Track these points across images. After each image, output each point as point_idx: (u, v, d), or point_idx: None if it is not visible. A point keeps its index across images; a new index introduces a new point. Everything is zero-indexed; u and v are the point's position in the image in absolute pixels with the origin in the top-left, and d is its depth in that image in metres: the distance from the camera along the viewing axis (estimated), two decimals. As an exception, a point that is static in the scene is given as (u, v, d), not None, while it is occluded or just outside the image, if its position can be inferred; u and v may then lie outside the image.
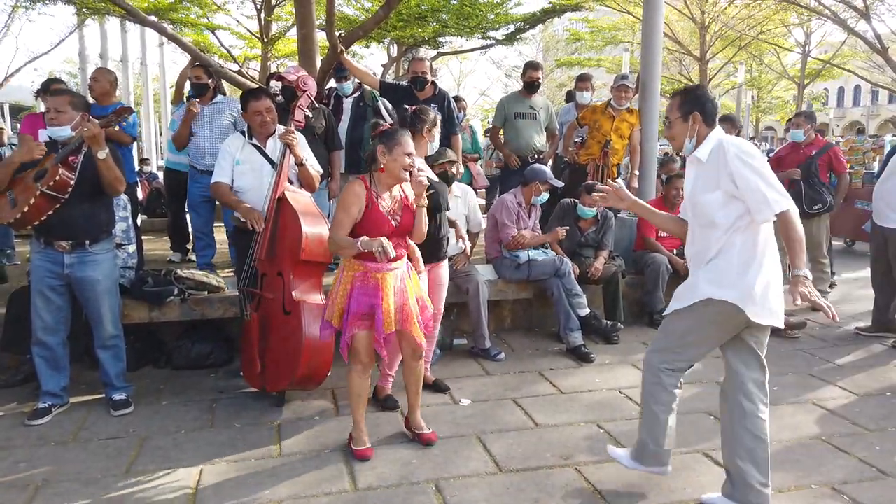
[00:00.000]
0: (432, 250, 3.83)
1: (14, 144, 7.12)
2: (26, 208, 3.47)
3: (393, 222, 3.18)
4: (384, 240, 2.99)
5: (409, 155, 3.14)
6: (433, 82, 5.60)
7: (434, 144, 3.88)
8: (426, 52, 13.75)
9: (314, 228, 3.78)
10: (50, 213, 3.52)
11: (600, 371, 4.56)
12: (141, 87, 17.27)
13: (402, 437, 3.51)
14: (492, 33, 12.92)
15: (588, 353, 4.77)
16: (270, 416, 3.79)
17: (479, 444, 3.45)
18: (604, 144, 6.13)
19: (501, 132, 6.49)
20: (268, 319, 3.88)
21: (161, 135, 18.93)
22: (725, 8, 20.07)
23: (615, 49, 23.77)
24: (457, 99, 7.35)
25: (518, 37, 13.25)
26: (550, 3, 12.77)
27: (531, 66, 6.35)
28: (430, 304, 3.42)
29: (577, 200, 5.51)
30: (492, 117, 7.24)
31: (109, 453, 3.33)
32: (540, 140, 6.42)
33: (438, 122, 3.90)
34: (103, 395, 3.94)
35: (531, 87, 6.26)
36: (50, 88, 5.11)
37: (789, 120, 7.04)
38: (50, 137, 3.69)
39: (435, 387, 4.14)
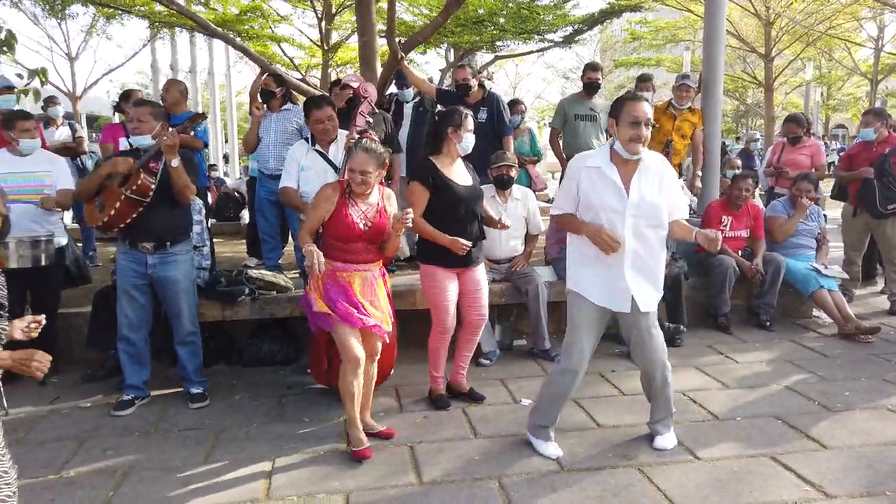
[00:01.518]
0: (461, 256, 3.76)
1: (94, 152, 7.53)
2: (112, 212, 3.71)
3: (362, 226, 3.33)
4: (319, 256, 3.14)
5: (361, 173, 3.26)
6: (481, 85, 5.67)
7: (465, 145, 3.81)
8: (480, 57, 13.82)
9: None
10: (133, 216, 3.75)
11: (663, 373, 4.52)
12: (208, 97, 17.95)
13: (465, 435, 3.58)
14: (549, 36, 12.90)
15: (650, 356, 4.72)
16: (337, 411, 3.92)
17: (541, 442, 3.48)
18: (665, 145, 6.07)
19: (560, 135, 6.49)
20: (333, 318, 4.01)
21: (227, 142, 19.63)
22: (792, 3, 19.41)
23: (675, 48, 23.27)
24: (515, 102, 7.38)
25: (576, 38, 13.18)
26: (609, 3, 12.66)
27: (590, 68, 6.33)
28: (389, 322, 3.48)
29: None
30: (549, 119, 7.24)
31: (188, 444, 3.52)
32: (600, 142, 6.39)
33: (467, 123, 3.77)
34: (181, 389, 4.16)
35: (591, 88, 6.25)
36: (133, 99, 5.43)
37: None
38: (131, 145, 3.93)
39: (471, 396, 4.08)
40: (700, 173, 6.29)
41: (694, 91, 6.22)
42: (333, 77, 11.98)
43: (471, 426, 3.70)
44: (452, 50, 14.26)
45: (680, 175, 6.60)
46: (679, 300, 5.34)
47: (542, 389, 3.48)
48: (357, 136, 3.92)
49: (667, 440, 3.39)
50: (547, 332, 4.85)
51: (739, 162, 7.89)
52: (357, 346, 3.30)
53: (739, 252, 5.60)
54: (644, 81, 6.79)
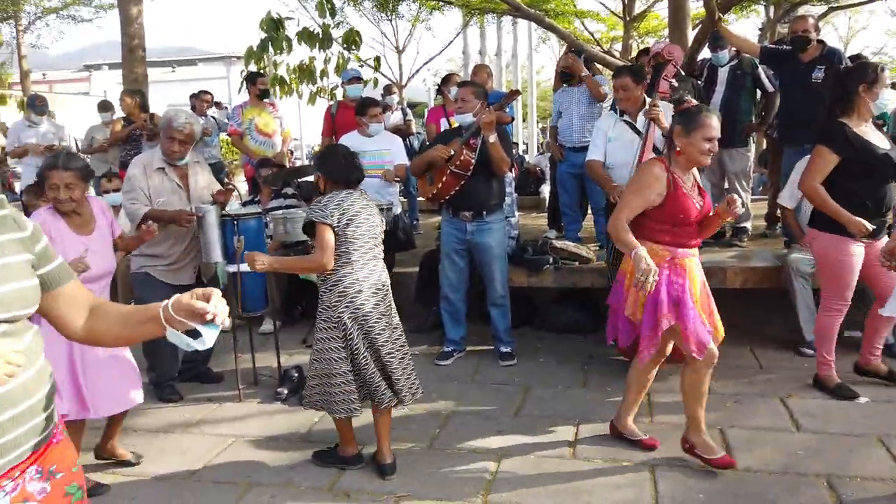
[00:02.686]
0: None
1: (419, 133, 8.46)
2: (440, 185, 4.16)
3: (698, 206, 2.94)
4: (654, 271, 2.74)
5: (710, 140, 2.84)
6: (819, 41, 4.97)
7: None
8: (810, 10, 12.14)
9: None
10: (457, 188, 4.15)
11: None
12: (510, 78, 18.85)
13: (785, 427, 3.29)
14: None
15: None
16: (639, 384, 3.90)
17: (880, 445, 3.04)
18: None
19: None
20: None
21: (525, 121, 20.42)
22: None
23: None
24: (857, 58, 6.36)
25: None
26: None
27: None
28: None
29: None
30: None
31: (500, 396, 3.83)
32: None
33: (883, 78, 3.32)
34: (491, 347, 4.52)
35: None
36: (451, 83, 5.99)
37: None
38: (450, 125, 4.33)
39: (891, 377, 3.71)
40: None
41: None
42: (635, 49, 11.65)
43: (792, 418, 3.38)
44: (773, 7, 12.78)
45: None
46: None
47: None
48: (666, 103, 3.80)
49: None
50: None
51: None
52: (667, 343, 3.05)
53: None
54: None
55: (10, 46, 12.07)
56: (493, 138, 4.00)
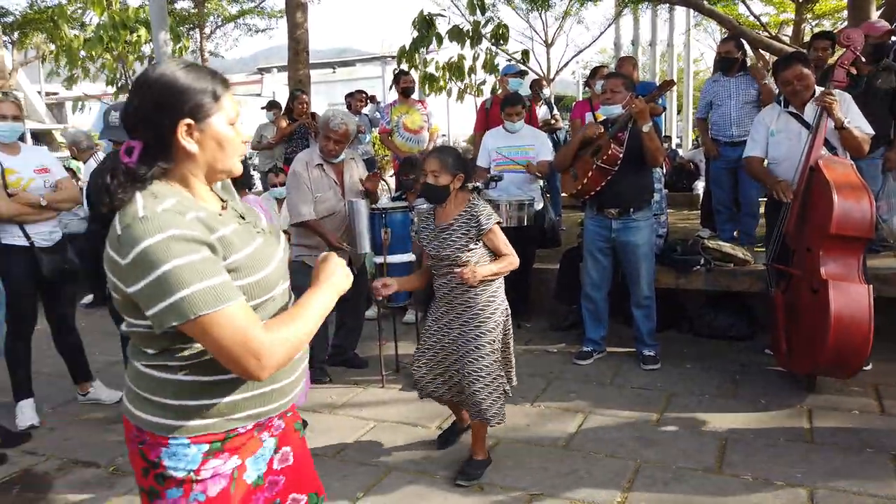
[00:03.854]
0: None
1: (566, 128, 8.33)
2: (585, 181, 4.06)
3: None
4: None
5: None
6: None
7: None
8: None
9: (850, 200, 3.37)
10: (602, 184, 4.04)
11: None
12: (664, 68, 17.99)
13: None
14: None
15: None
16: (797, 397, 3.59)
17: None
18: None
19: None
20: (795, 297, 3.66)
21: (679, 113, 19.43)
22: None
23: None
24: None
25: None
26: None
27: None
28: None
29: None
30: None
31: (640, 401, 3.69)
32: None
33: None
34: (632, 350, 4.36)
35: None
36: (599, 75, 5.85)
37: None
38: (596, 119, 4.21)
39: None
40: None
41: None
42: (808, 33, 10.66)
43: None
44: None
45: None
46: None
47: None
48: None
49: None
50: None
51: None
52: None
53: None
54: None
55: (196, 54, 13.44)
56: (646, 127, 3.85)
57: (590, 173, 4.02)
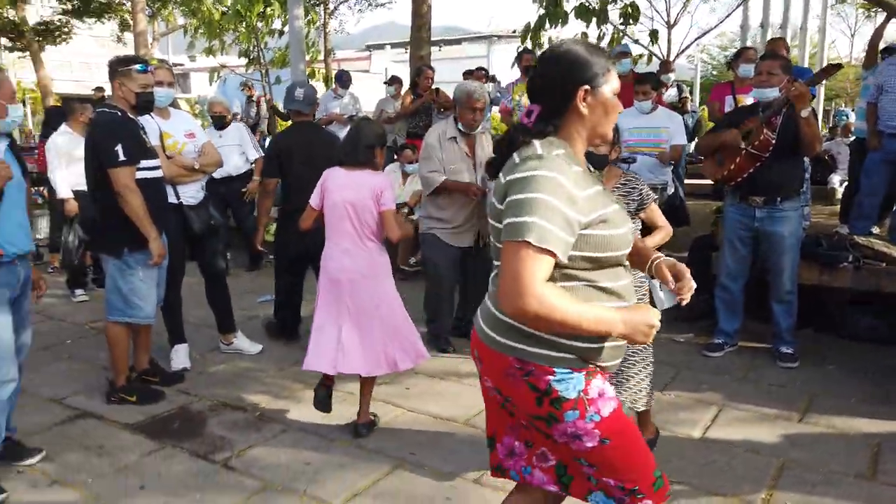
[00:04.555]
0: None
1: (695, 112, 8.01)
2: (732, 167, 3.88)
3: None
4: None
5: None
6: None
7: None
8: None
9: None
10: (750, 171, 3.85)
11: None
12: (795, 55, 16.84)
13: None
14: None
15: None
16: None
17: None
18: None
19: None
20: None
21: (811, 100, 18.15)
22: None
23: None
24: None
25: None
26: None
27: None
28: None
29: None
30: None
31: (779, 398, 3.53)
32: None
33: None
34: (767, 346, 4.17)
35: None
36: (745, 55, 5.56)
37: None
38: (736, 103, 3.99)
39: None
40: None
41: None
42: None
43: None
44: None
45: None
46: None
47: None
48: None
49: None
50: None
51: None
52: None
53: None
54: None
55: (319, 29, 13.86)
56: (805, 112, 3.62)
57: (738, 159, 3.84)
